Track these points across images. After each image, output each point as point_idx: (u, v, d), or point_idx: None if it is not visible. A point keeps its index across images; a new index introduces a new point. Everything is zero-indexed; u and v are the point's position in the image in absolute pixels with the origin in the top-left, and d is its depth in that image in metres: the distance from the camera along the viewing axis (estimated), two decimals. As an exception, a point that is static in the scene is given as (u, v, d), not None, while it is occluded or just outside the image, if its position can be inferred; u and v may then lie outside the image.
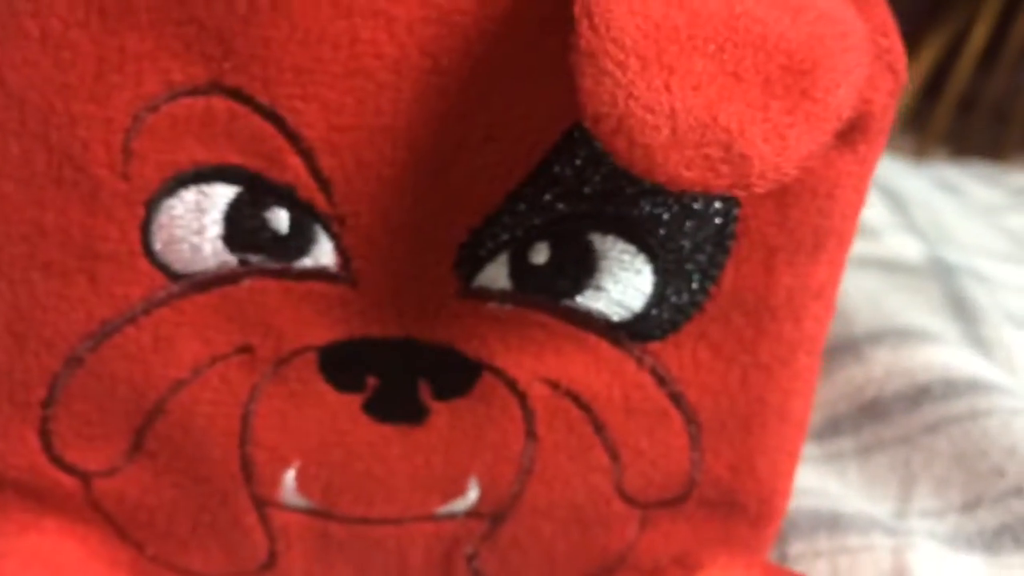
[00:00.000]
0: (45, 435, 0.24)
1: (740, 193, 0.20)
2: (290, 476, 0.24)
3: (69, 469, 0.24)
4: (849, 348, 0.33)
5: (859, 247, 0.35)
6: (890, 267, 0.38)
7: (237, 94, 0.21)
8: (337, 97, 0.21)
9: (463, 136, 0.22)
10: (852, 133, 0.23)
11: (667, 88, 0.19)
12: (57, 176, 0.22)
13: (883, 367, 0.32)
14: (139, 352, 0.23)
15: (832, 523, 0.29)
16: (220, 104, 0.21)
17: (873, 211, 0.41)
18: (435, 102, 0.22)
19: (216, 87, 0.21)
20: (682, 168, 0.19)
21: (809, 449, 0.32)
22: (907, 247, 0.40)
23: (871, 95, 0.23)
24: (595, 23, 0.19)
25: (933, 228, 0.42)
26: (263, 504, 0.25)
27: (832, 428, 0.33)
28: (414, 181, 0.22)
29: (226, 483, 0.24)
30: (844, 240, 0.25)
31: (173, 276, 0.23)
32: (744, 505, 0.27)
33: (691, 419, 0.25)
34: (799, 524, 0.29)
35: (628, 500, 0.26)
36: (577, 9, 0.19)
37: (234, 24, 0.21)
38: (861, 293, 0.35)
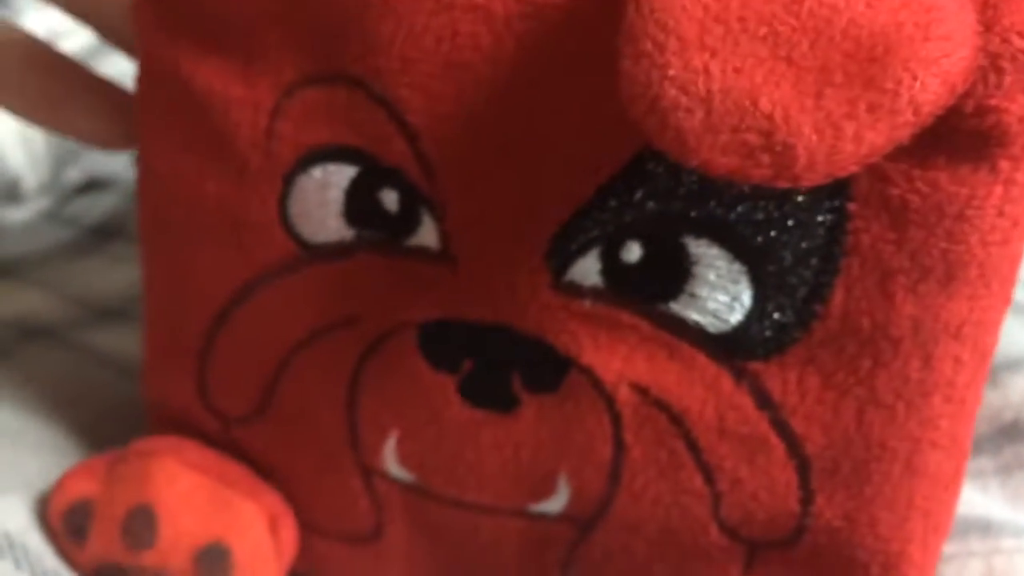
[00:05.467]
0: (201, 381, 0.27)
1: (784, 185, 0.18)
2: (391, 445, 0.26)
3: (216, 413, 0.27)
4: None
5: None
6: (1015, 308, 0.37)
7: (356, 82, 0.23)
8: (439, 86, 0.23)
9: (554, 129, 0.22)
10: (986, 146, 0.21)
11: (705, 70, 0.18)
12: (215, 150, 0.25)
13: (1019, 393, 0.32)
14: (270, 312, 0.26)
15: (984, 527, 0.29)
16: (342, 92, 0.24)
17: None
18: (528, 94, 0.22)
19: (340, 76, 0.24)
20: (717, 153, 0.18)
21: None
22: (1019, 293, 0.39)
23: (1004, 103, 0.20)
24: (640, 5, 0.19)
25: None
26: (369, 472, 0.26)
27: (972, 448, 0.32)
28: (507, 171, 0.23)
29: (335, 446, 0.26)
30: (990, 273, 0.22)
31: (303, 245, 0.25)
32: (865, 564, 0.24)
33: (796, 452, 0.23)
34: (951, 527, 0.28)
35: (729, 532, 0.25)
36: (629, -7, 0.19)
37: (349, 20, 0.23)
38: None
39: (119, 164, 0.31)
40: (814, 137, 0.18)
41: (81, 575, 0.26)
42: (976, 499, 0.31)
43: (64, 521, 0.26)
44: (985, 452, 0.32)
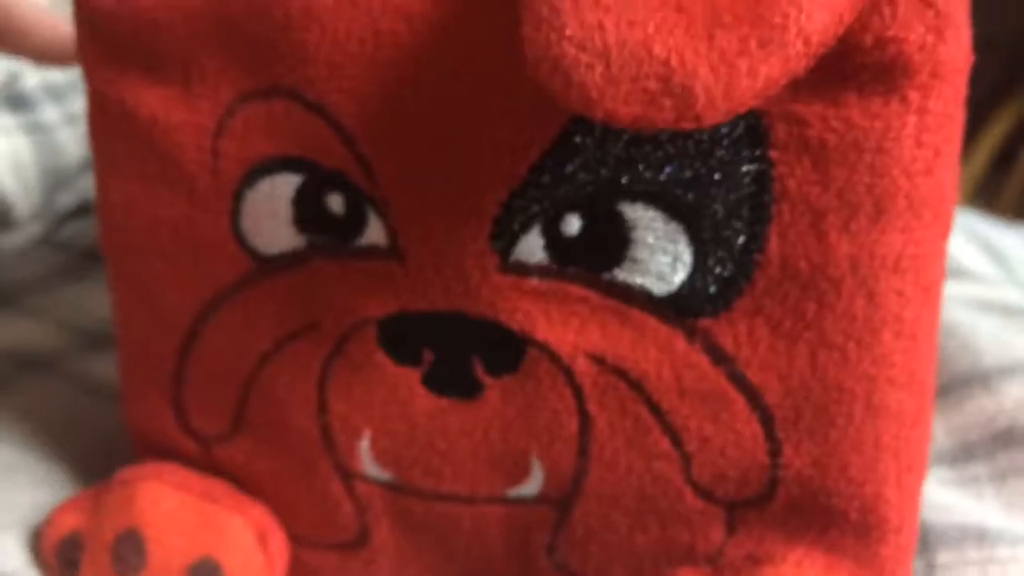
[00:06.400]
0: (177, 404, 0.28)
1: (689, 126, 0.19)
2: (365, 445, 0.26)
3: (194, 434, 0.28)
4: (979, 380, 0.33)
5: (980, 292, 0.40)
6: (1010, 312, 0.39)
7: (290, 94, 0.24)
8: (367, 88, 0.24)
9: (481, 115, 0.23)
10: (892, 78, 0.21)
11: (600, 26, 0.19)
12: (164, 175, 0.26)
13: (1013, 399, 0.32)
14: (234, 327, 0.26)
15: (979, 536, 0.29)
16: (279, 104, 0.25)
17: (981, 265, 0.43)
18: (452, 85, 0.23)
19: (274, 90, 0.25)
20: (620, 104, 0.19)
21: (944, 473, 0.33)
22: (1020, 299, 0.41)
23: (901, 33, 0.21)
24: (535, -26, 0.20)
25: None
26: (348, 475, 0.27)
27: (965, 454, 0.33)
28: (443, 161, 0.24)
29: (311, 452, 0.27)
30: (919, 204, 0.22)
31: (258, 258, 0.26)
32: (843, 512, 0.24)
33: (757, 403, 0.24)
34: (946, 535, 0.29)
35: (704, 494, 0.25)
36: (523, -35, 0.20)
37: (276, 32, 0.24)
38: (987, 330, 0.36)
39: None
40: (711, 77, 0.19)
41: (78, 608, 0.27)
42: (971, 507, 0.31)
43: (57, 556, 0.27)
44: (979, 459, 0.32)
